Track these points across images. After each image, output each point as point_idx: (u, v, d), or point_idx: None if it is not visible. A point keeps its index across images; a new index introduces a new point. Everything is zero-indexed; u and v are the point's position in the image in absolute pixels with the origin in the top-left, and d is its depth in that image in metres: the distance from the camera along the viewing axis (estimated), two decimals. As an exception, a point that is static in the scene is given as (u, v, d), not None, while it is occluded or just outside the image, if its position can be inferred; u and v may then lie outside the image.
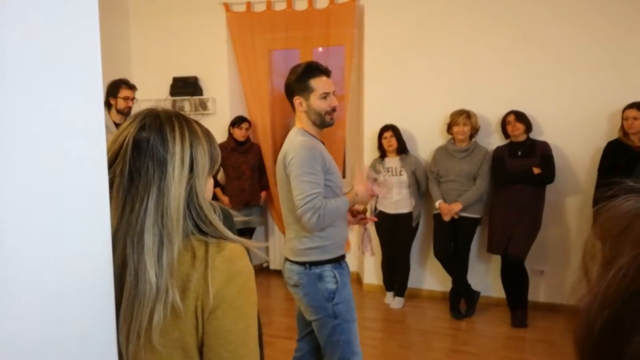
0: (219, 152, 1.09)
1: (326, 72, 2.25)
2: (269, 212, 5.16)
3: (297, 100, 2.24)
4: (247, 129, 4.76)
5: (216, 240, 1.01)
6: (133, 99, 3.82)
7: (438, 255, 4.19)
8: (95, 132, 0.83)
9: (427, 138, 4.44)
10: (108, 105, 3.77)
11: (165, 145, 0.98)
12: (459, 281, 4.14)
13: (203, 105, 5.06)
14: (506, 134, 4.10)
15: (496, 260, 4.17)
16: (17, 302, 0.71)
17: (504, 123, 4.09)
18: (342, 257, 2.31)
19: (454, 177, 4.10)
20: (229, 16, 4.91)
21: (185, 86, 5.05)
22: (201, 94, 5.08)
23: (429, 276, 4.58)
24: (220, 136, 4.73)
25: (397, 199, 4.23)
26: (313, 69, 2.23)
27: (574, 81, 4.05)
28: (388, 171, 4.26)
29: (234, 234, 1.06)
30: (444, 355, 3.53)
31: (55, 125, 0.76)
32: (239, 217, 1.35)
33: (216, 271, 0.96)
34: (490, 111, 4.23)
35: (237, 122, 4.74)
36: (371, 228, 3.08)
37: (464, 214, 4.07)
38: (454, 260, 4.16)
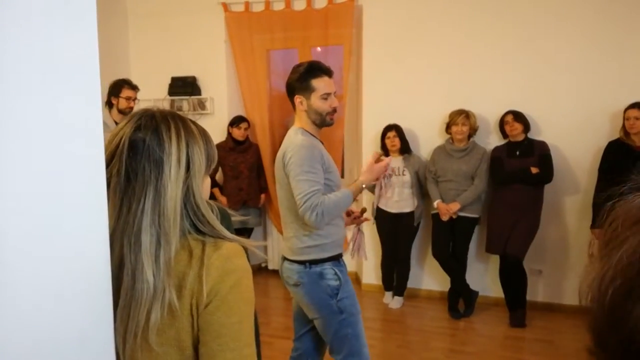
0: (216, 152, 1.09)
1: (328, 73, 2.26)
2: (266, 212, 5.16)
3: (298, 99, 2.24)
4: (245, 129, 4.76)
5: (213, 239, 1.01)
6: (135, 99, 3.84)
7: (436, 255, 4.19)
8: (93, 132, 0.83)
9: (426, 138, 4.45)
10: (110, 104, 3.79)
11: (162, 145, 0.98)
12: (457, 281, 4.15)
13: (201, 105, 5.05)
14: (504, 134, 4.10)
15: (494, 260, 4.17)
16: (14, 301, 0.71)
17: (502, 123, 4.09)
18: (340, 255, 2.32)
19: (452, 177, 4.10)
20: (228, 16, 4.91)
21: (184, 86, 5.05)
22: (199, 94, 5.08)
23: (428, 276, 4.58)
24: (219, 136, 4.72)
25: (398, 199, 4.23)
26: (315, 69, 2.23)
27: (575, 81, 4.05)
28: (390, 171, 4.25)
29: (232, 233, 1.07)
30: (443, 355, 3.54)
31: (54, 125, 0.76)
32: (236, 217, 1.35)
33: (211, 268, 0.97)
34: (489, 111, 4.23)
35: (236, 121, 4.74)
36: (366, 230, 3.04)
37: (462, 214, 4.08)
38: (452, 260, 4.16)
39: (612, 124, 3.94)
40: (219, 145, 4.44)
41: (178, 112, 1.09)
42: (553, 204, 4.12)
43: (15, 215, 0.71)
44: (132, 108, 3.80)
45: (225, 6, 4.91)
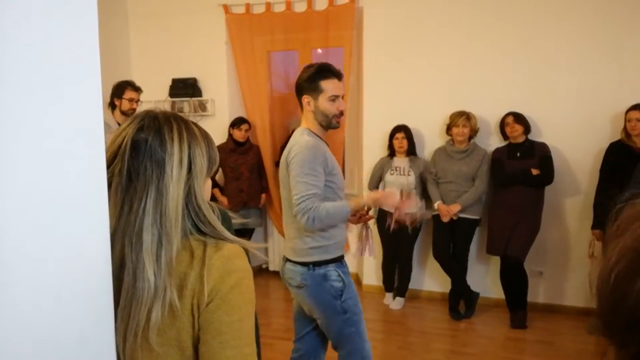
0: (217, 154, 1.10)
1: (338, 75, 2.26)
2: (267, 213, 5.16)
3: (306, 99, 2.25)
4: (246, 130, 4.76)
5: (215, 240, 1.02)
6: (138, 100, 3.86)
7: (437, 256, 4.19)
8: (94, 132, 0.83)
9: (426, 139, 4.45)
10: (112, 105, 3.81)
11: (164, 146, 0.99)
12: (458, 282, 4.14)
13: (202, 107, 5.06)
14: (505, 135, 4.10)
15: (495, 261, 4.16)
16: (14, 302, 0.71)
17: (502, 124, 4.09)
18: (343, 256, 2.34)
19: (453, 178, 4.10)
20: (228, 18, 4.92)
21: (185, 87, 5.05)
22: (200, 95, 5.08)
23: (428, 277, 4.57)
24: (219, 137, 4.72)
25: None
26: (325, 70, 2.24)
27: (575, 82, 4.05)
28: (396, 170, 4.26)
29: (232, 235, 1.07)
30: (443, 357, 3.53)
31: (55, 125, 0.76)
32: (237, 219, 1.35)
33: (213, 268, 0.97)
34: (489, 112, 4.23)
35: (237, 123, 4.75)
36: (373, 228, 3.07)
37: (463, 215, 4.07)
38: (453, 262, 4.16)
39: (612, 125, 3.94)
40: (219, 147, 4.43)
41: (180, 114, 1.09)
42: (554, 205, 4.12)
43: (15, 215, 0.71)
44: (134, 109, 3.82)
45: (226, 8, 4.91)
